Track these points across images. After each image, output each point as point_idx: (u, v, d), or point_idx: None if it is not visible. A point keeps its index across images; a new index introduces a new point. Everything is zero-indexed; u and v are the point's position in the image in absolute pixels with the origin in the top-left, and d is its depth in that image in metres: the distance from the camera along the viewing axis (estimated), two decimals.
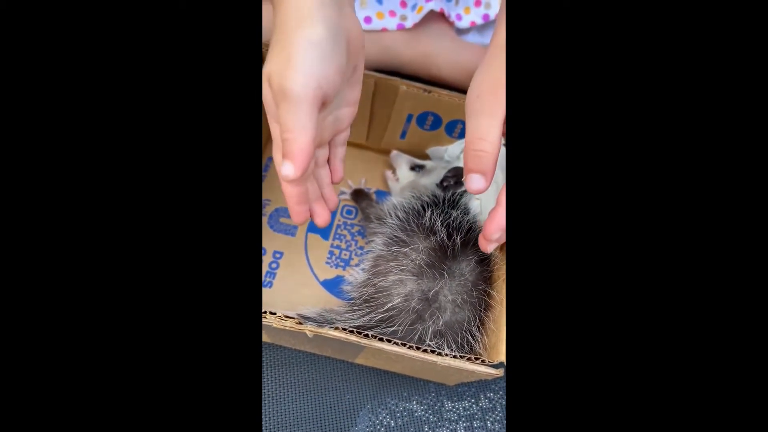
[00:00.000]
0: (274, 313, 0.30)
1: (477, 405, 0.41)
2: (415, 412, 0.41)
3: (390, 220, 0.36)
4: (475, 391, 0.42)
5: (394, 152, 0.45)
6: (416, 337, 0.32)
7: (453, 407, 0.41)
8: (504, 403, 0.42)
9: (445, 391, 0.42)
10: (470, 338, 0.32)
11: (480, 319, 0.33)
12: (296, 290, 0.43)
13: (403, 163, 0.42)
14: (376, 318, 0.32)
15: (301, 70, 0.24)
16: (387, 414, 0.40)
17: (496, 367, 0.29)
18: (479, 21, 0.50)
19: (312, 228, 0.47)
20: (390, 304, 0.32)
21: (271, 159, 0.49)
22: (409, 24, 0.47)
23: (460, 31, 0.51)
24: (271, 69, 0.25)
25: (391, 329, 0.32)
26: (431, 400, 0.41)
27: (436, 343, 0.31)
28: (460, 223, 0.34)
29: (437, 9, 0.47)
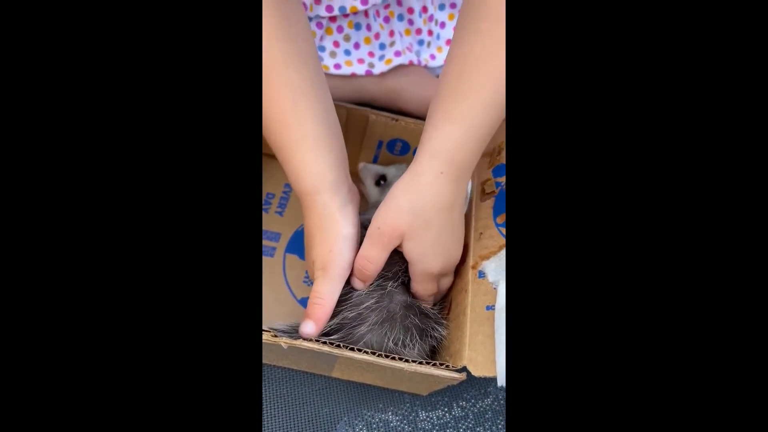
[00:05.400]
0: None
1: (450, 414, 0.43)
2: (391, 422, 0.42)
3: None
4: (448, 401, 0.44)
5: (361, 165, 0.47)
6: (384, 336, 0.34)
7: (427, 416, 0.43)
8: (475, 411, 0.44)
9: (419, 401, 0.43)
10: (434, 344, 0.35)
11: (432, 330, 0.36)
12: (274, 307, 0.45)
13: (368, 177, 0.45)
14: (350, 316, 0.35)
15: (338, 258, 0.34)
16: (363, 425, 0.42)
17: (459, 371, 0.32)
18: None
19: (290, 248, 0.49)
20: (364, 305, 0.35)
21: None
22: (376, 71, 0.51)
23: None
24: (315, 255, 0.35)
25: (359, 329, 0.34)
26: (406, 411, 0.43)
27: (402, 341, 0.34)
28: None
29: (406, 62, 0.52)
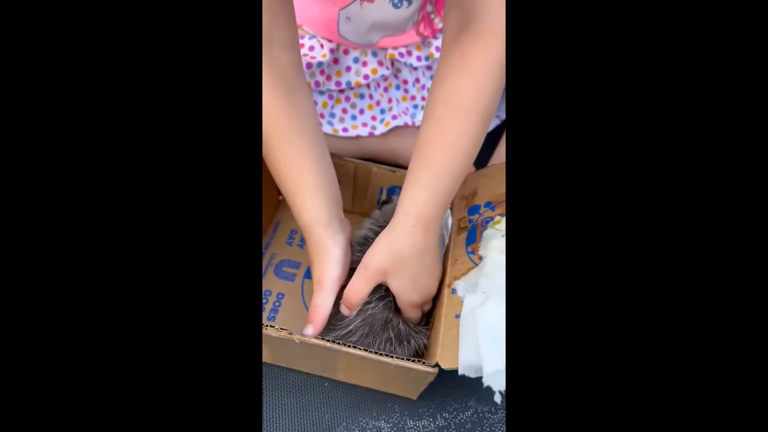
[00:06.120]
0: (273, 326, 0.42)
1: (434, 423, 0.49)
2: (383, 429, 0.49)
3: (356, 253, 0.48)
4: (433, 412, 0.50)
5: (376, 212, 0.57)
6: (369, 345, 0.43)
7: (414, 425, 0.49)
8: (456, 422, 0.50)
9: (408, 411, 0.50)
10: (411, 351, 0.44)
11: (408, 338, 0.45)
12: (294, 324, 0.54)
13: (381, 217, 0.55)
14: (342, 333, 0.44)
15: (329, 274, 0.43)
16: (359, 431, 0.49)
17: (432, 366, 0.40)
18: None
19: (307, 275, 0.59)
20: (353, 324, 0.44)
21: (279, 222, 0.63)
22: (377, 133, 0.64)
23: None
24: (314, 274, 0.45)
25: (350, 341, 0.43)
26: (396, 419, 0.49)
27: (381, 348, 0.42)
28: None
29: (402, 124, 0.64)
